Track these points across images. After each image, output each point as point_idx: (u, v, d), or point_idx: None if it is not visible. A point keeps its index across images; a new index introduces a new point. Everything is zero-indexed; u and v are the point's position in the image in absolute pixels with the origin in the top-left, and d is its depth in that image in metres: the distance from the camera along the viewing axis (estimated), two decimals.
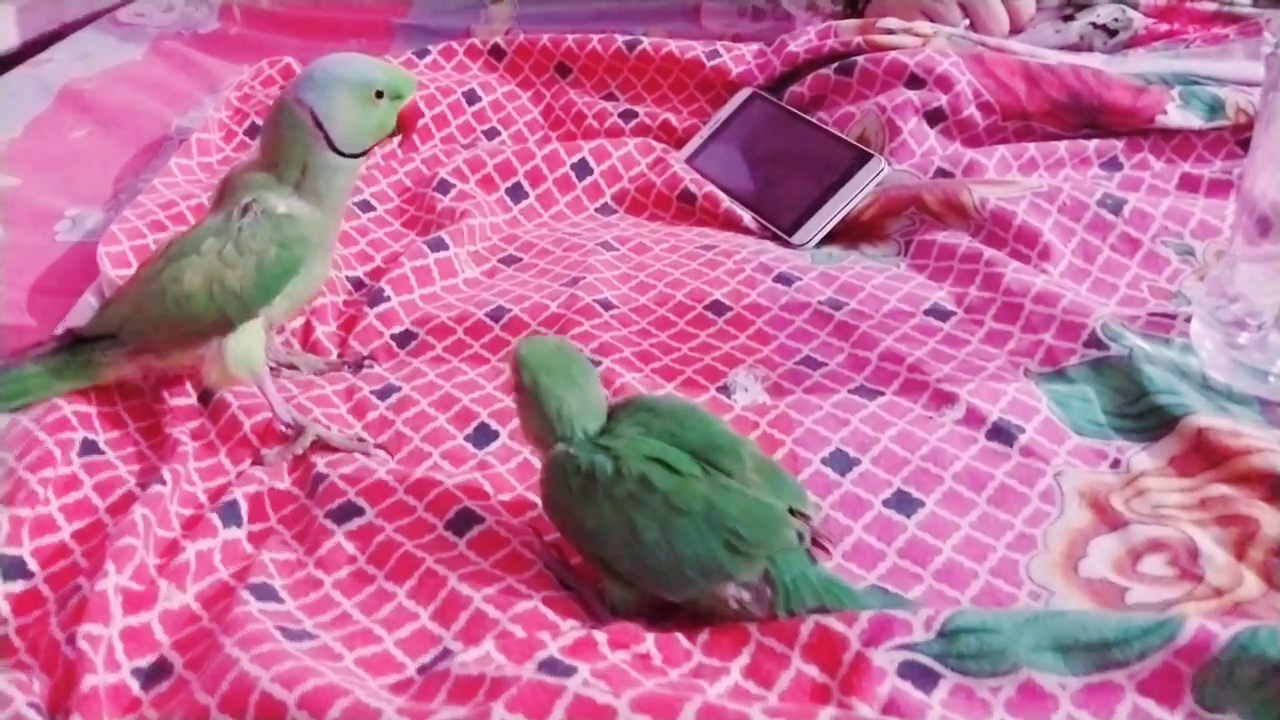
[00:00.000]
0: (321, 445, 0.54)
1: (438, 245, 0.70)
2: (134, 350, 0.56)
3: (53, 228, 0.79)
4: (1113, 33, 0.88)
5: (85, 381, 0.57)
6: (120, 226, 0.71)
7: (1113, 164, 0.77)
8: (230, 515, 0.50)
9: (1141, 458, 0.52)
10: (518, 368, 0.47)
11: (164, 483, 0.50)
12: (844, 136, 0.77)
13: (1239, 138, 0.78)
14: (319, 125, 0.54)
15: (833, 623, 0.41)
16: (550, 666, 0.39)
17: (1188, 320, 0.61)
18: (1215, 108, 0.77)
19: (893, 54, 0.79)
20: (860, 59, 0.80)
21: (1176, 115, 0.76)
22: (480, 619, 0.42)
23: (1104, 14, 0.89)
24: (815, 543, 0.44)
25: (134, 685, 0.42)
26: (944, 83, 0.77)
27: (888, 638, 0.40)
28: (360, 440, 0.55)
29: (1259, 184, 0.56)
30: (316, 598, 0.46)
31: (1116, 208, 0.68)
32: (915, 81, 0.78)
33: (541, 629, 0.42)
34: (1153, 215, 0.68)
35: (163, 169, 0.81)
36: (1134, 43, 0.89)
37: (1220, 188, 0.75)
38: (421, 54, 0.92)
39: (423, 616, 0.44)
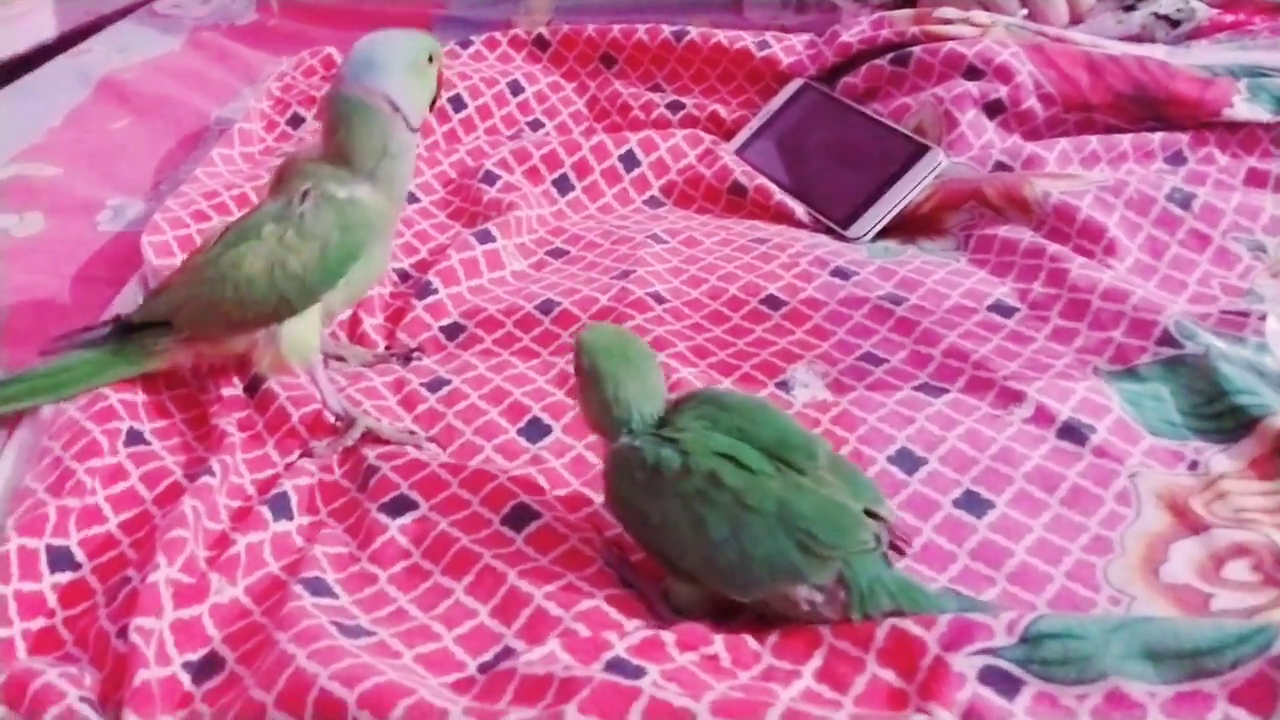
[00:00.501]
0: (372, 437, 0.53)
1: (484, 238, 0.69)
2: (188, 337, 0.55)
3: (94, 217, 0.79)
4: (1175, 23, 0.86)
5: (136, 369, 0.56)
6: (164, 216, 0.70)
7: (1177, 158, 0.75)
8: (281, 507, 0.49)
9: (1220, 459, 0.50)
10: (579, 351, 0.46)
11: (212, 474, 0.49)
12: (900, 128, 0.75)
13: None
14: (395, 109, 0.54)
15: (909, 626, 0.39)
16: (618, 667, 0.38)
17: (1262, 318, 0.58)
18: None
19: (950, 44, 0.77)
20: (916, 49, 0.78)
21: (1244, 108, 0.74)
22: (542, 617, 0.41)
23: (1167, 4, 0.86)
24: (892, 545, 0.42)
25: (185, 679, 0.41)
26: (1004, 73, 0.75)
27: (968, 642, 0.38)
28: (412, 433, 0.54)
29: None
30: (371, 593, 0.45)
31: (1185, 202, 0.66)
32: (973, 72, 0.76)
33: (606, 628, 0.40)
34: (1223, 210, 0.66)
35: (205, 159, 0.80)
36: (1197, 34, 0.87)
37: None
38: (464, 45, 0.91)
39: (482, 614, 0.43)
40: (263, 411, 0.56)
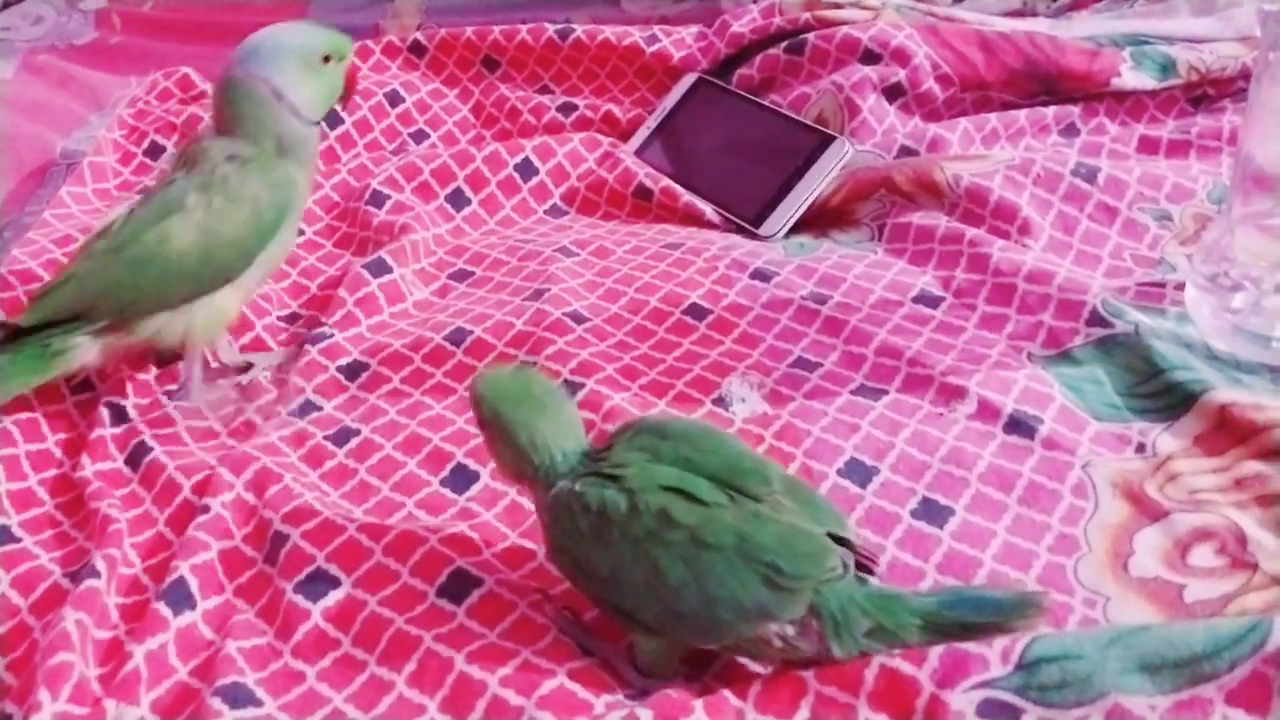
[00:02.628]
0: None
1: (380, 268, 0.64)
2: (103, 329, 0.53)
3: None
4: None
5: (41, 376, 0.53)
6: (9, 270, 0.63)
7: (1071, 130, 0.75)
8: (179, 597, 0.43)
9: (1166, 439, 0.50)
10: (477, 404, 0.42)
11: (97, 574, 0.43)
12: (802, 119, 0.73)
13: (1189, 96, 0.77)
14: (279, 97, 0.54)
15: (900, 664, 0.37)
16: None
17: (1178, 288, 0.59)
18: (1167, 67, 0.76)
19: (844, 29, 0.76)
20: (810, 36, 0.77)
21: (1131, 77, 0.75)
22: (502, 707, 0.38)
23: None
24: (859, 565, 0.40)
25: None
26: (901, 56, 0.74)
27: (963, 676, 0.36)
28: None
29: (1255, 141, 0.54)
30: (300, 693, 0.40)
31: (1091, 176, 0.66)
32: (870, 57, 0.75)
33: (573, 712, 0.37)
34: (1127, 182, 0.66)
35: (53, 199, 0.73)
36: (1077, 5, 0.87)
37: (1179, 148, 0.74)
38: None
39: (431, 708, 0.39)
40: (149, 485, 0.51)
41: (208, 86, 0.83)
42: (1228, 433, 0.49)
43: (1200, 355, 0.54)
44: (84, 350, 0.53)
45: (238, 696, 0.40)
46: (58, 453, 0.54)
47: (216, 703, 0.39)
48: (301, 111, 0.55)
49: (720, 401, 0.54)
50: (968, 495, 0.48)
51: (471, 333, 0.60)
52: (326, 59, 0.56)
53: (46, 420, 0.55)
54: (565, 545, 0.40)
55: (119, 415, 0.55)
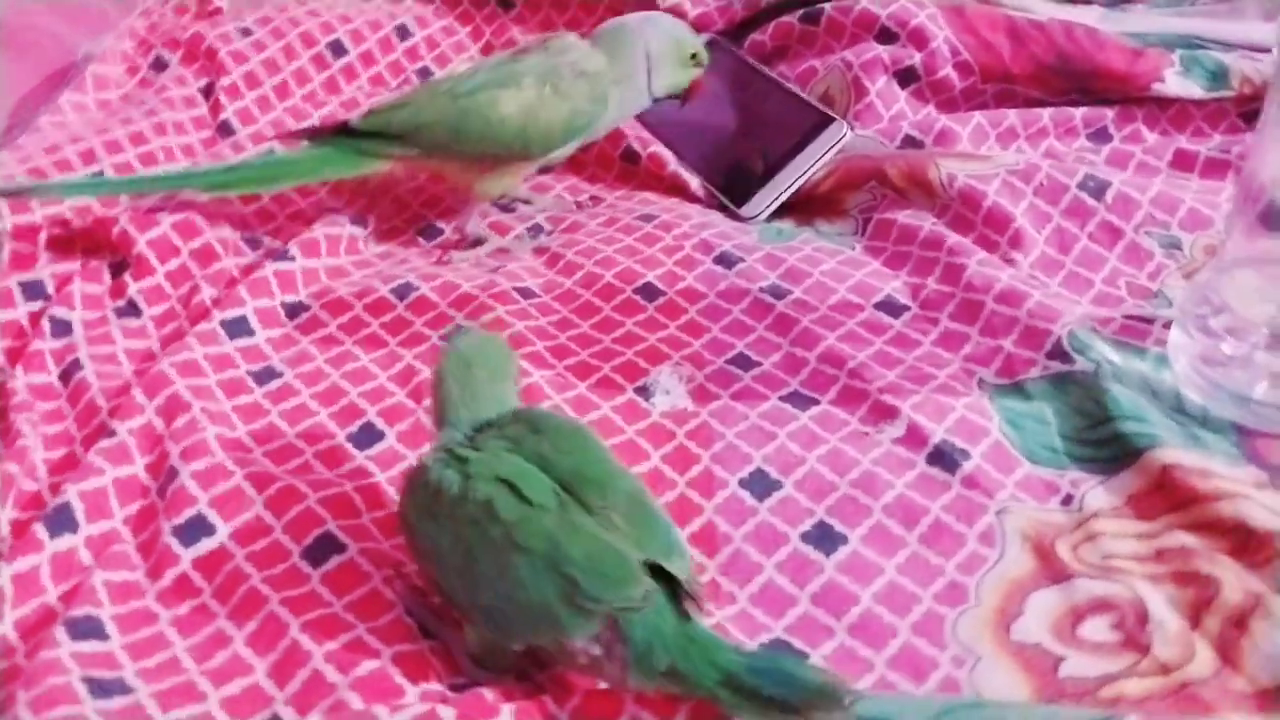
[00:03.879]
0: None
1: (357, 219, 0.64)
2: (416, 155, 0.61)
3: None
4: None
5: (349, 171, 0.61)
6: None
7: (1101, 135, 0.70)
8: (60, 521, 0.44)
9: (1097, 493, 0.46)
10: (439, 354, 0.44)
11: None
12: (805, 95, 0.69)
13: (1241, 110, 0.71)
14: (646, 57, 0.63)
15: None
16: None
17: (1166, 326, 0.54)
18: (1218, 76, 0.70)
19: (864, 2, 0.71)
20: (828, 6, 0.72)
21: (1175, 83, 0.69)
22: (318, 682, 0.37)
23: None
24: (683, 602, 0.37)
25: None
26: (918, 38, 0.69)
27: None
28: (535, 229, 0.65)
29: (1266, 167, 0.48)
30: (148, 634, 0.40)
31: (1099, 191, 0.61)
32: (887, 35, 0.70)
33: (383, 697, 0.36)
34: (1138, 202, 0.61)
35: (53, 105, 0.73)
36: None
37: (1217, 167, 0.68)
38: None
39: (258, 671, 0.38)
40: (74, 403, 0.51)
41: (224, 2, 0.83)
42: (1165, 496, 0.45)
43: (1165, 406, 0.50)
44: (395, 167, 0.62)
45: (84, 629, 0.40)
46: (1, 359, 0.55)
47: (60, 632, 0.39)
48: (652, 78, 0.63)
49: (643, 391, 0.52)
50: (866, 525, 0.45)
51: (418, 289, 0.59)
52: (693, 57, 0.64)
53: None
54: (404, 513, 0.40)
55: (63, 329, 0.56)
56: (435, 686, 0.37)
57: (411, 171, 0.66)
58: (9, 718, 0.35)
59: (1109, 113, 0.69)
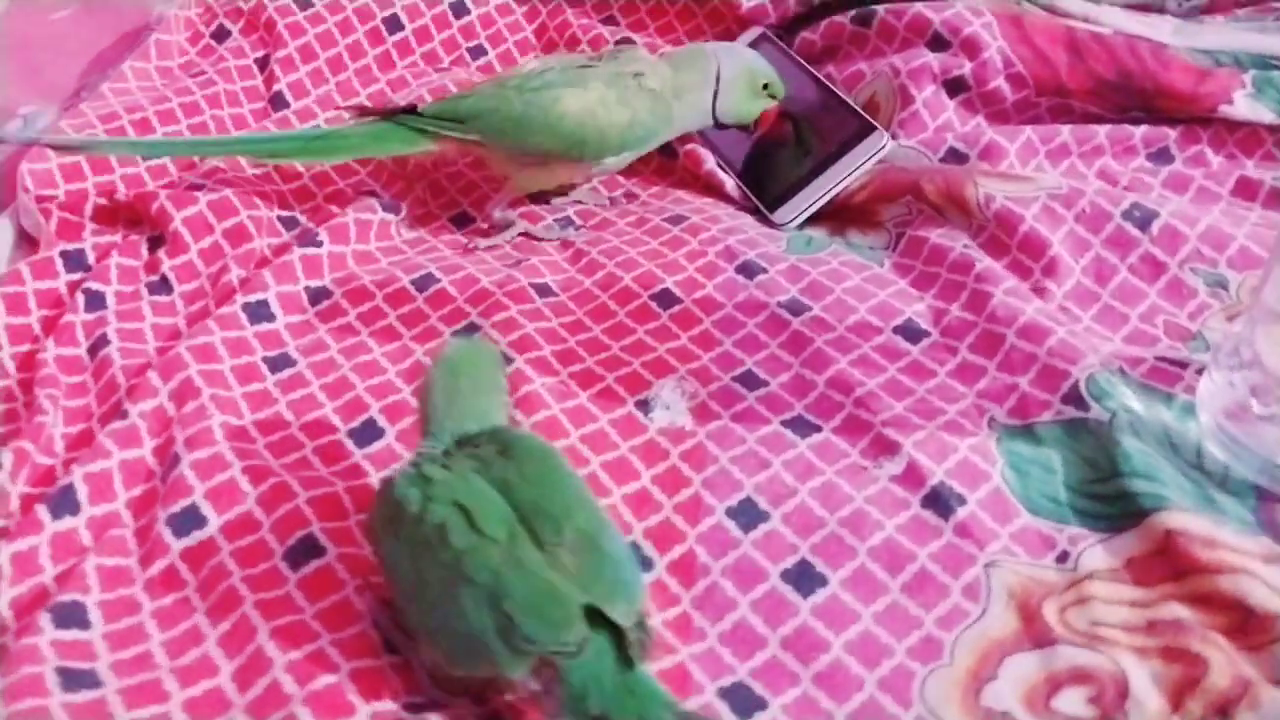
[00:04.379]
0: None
1: (390, 206, 0.64)
2: (472, 138, 0.62)
3: (3, 126, 0.74)
4: None
5: (404, 148, 0.63)
6: (48, 142, 0.65)
7: (1162, 156, 0.67)
8: (63, 503, 0.45)
9: (1096, 552, 0.45)
10: (433, 360, 0.45)
11: None
12: (849, 100, 0.67)
13: None
14: (716, 80, 0.64)
15: None
16: None
17: (1200, 372, 0.52)
18: None
19: (918, 6, 0.68)
20: (880, 9, 0.70)
21: (1244, 106, 0.65)
22: (275, 692, 0.38)
23: None
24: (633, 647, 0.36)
25: None
26: (971, 47, 0.67)
27: None
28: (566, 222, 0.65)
29: None
30: (128, 625, 0.42)
31: (1145, 222, 0.58)
32: (939, 42, 0.68)
33: (333, 714, 0.37)
34: (1186, 236, 0.58)
35: (117, 72, 0.75)
36: (1214, 8, 0.76)
37: None
38: None
39: (223, 674, 0.39)
40: (97, 379, 0.53)
41: None
42: (1166, 563, 0.43)
43: (1183, 461, 0.48)
44: (446, 147, 0.63)
45: (67, 616, 0.41)
46: (36, 329, 0.57)
47: (43, 618, 0.41)
48: (719, 101, 0.64)
49: (644, 405, 0.52)
50: (849, 568, 0.44)
51: (438, 282, 0.59)
52: (765, 87, 0.65)
53: (35, 296, 0.58)
54: (371, 525, 0.42)
55: (97, 302, 0.57)
56: (388, 706, 0.38)
57: (461, 154, 0.67)
58: None
59: (1171, 133, 0.66)
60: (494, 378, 0.45)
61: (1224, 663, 0.39)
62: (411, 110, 0.63)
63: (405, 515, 0.38)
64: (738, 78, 0.64)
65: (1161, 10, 0.75)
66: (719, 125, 0.66)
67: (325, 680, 0.38)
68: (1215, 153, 0.66)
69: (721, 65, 0.64)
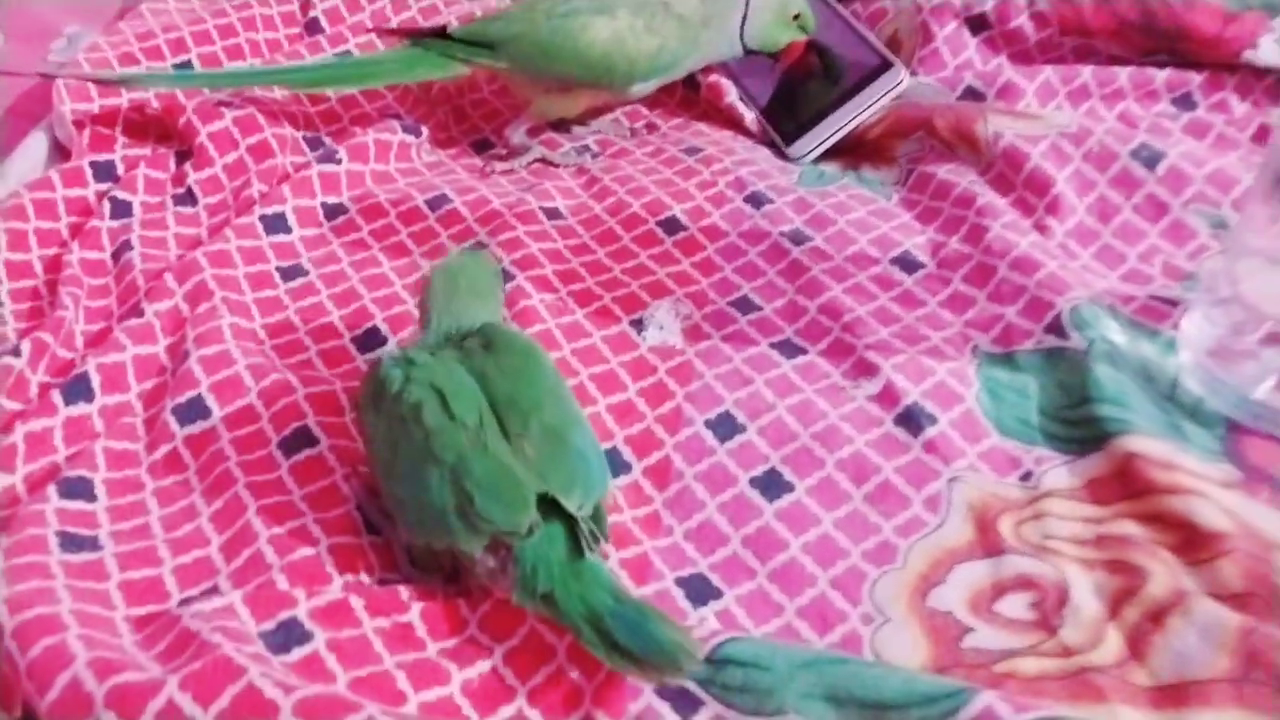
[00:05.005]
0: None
1: (412, 129, 0.66)
2: (502, 66, 0.63)
3: (48, 45, 0.78)
4: None
5: (438, 73, 0.64)
6: (89, 55, 0.68)
7: (1184, 101, 0.66)
8: (77, 390, 0.48)
9: (1059, 473, 0.45)
10: (433, 266, 0.48)
11: (17, 354, 0.49)
12: (869, 36, 0.67)
13: None
14: (745, 4, 0.64)
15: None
16: (284, 630, 0.37)
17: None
18: None
19: None
20: None
21: (1270, 51, 0.64)
22: (257, 561, 0.41)
23: None
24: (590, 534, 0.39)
25: None
26: None
27: None
28: (584, 149, 0.66)
29: None
30: (131, 501, 0.45)
31: (1152, 161, 0.58)
32: None
33: (307, 583, 0.39)
34: (1192, 176, 0.58)
35: (132, 10, 0.77)
36: None
37: None
38: None
39: (212, 546, 0.42)
40: (119, 281, 0.56)
41: None
42: (1123, 484, 0.44)
43: (1157, 392, 0.48)
44: (475, 71, 0.64)
45: (73, 489, 0.44)
46: (64, 233, 0.60)
47: (50, 490, 0.44)
48: (746, 27, 0.64)
49: (638, 324, 0.54)
50: (816, 477, 0.46)
51: (451, 202, 0.61)
52: (796, 18, 0.65)
53: (65, 203, 0.61)
54: (357, 401, 0.45)
55: (123, 210, 0.60)
56: (363, 579, 0.41)
57: (489, 79, 0.69)
58: None
59: (1196, 78, 0.65)
60: (491, 288, 0.48)
61: (1164, 574, 0.40)
62: (441, 33, 0.64)
63: (387, 393, 0.41)
64: (768, 5, 0.64)
65: None
66: (748, 52, 0.66)
67: (304, 552, 0.41)
68: (1241, 99, 0.65)
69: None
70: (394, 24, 0.77)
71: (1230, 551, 0.41)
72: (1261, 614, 0.39)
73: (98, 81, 0.65)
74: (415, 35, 0.65)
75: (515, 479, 0.38)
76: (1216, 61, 0.65)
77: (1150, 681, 0.38)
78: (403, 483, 0.39)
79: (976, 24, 0.67)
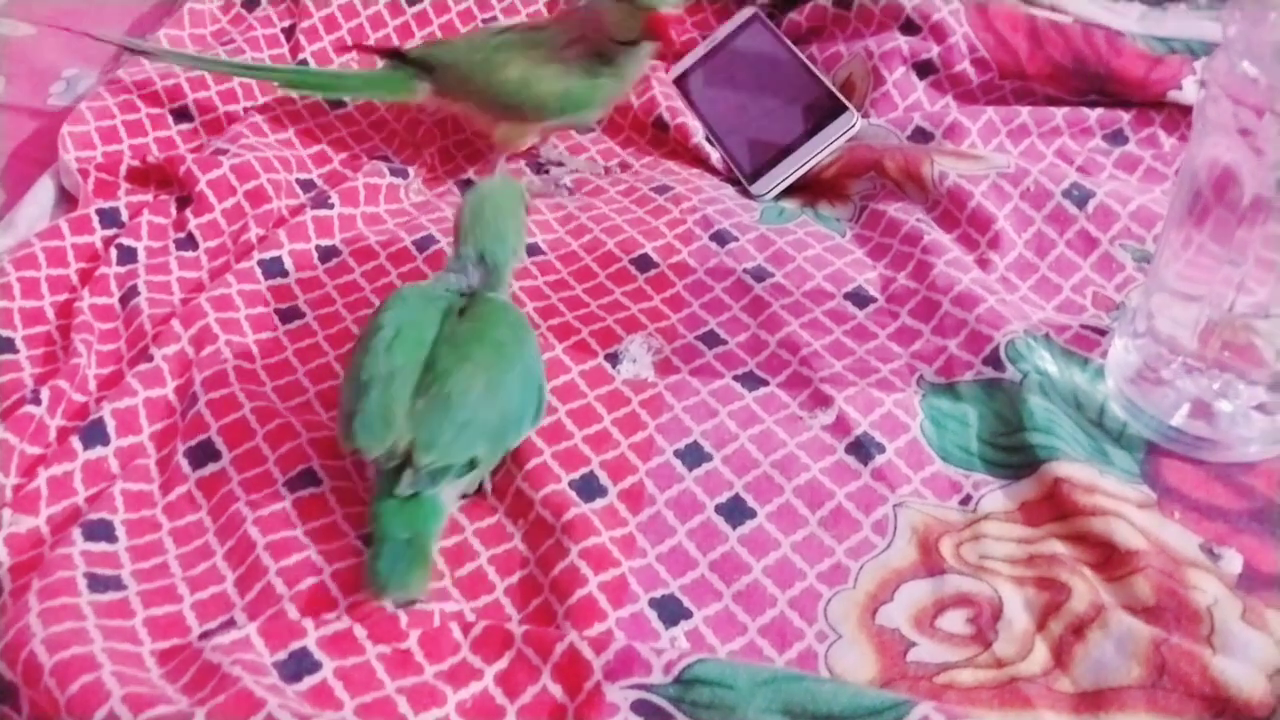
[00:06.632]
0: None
1: (399, 171, 0.70)
2: (440, 89, 0.69)
3: (48, 89, 0.81)
4: None
5: (405, 96, 0.70)
6: (90, 105, 0.72)
7: (1117, 136, 0.71)
8: (94, 434, 0.52)
9: (996, 497, 0.50)
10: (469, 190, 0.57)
11: (38, 401, 0.53)
12: (826, 80, 0.72)
13: None
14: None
15: (584, 648, 0.42)
16: (295, 660, 0.42)
17: None
18: None
19: None
20: None
21: (1193, 91, 0.69)
22: (269, 592, 0.45)
23: None
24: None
25: None
26: (938, 32, 0.71)
27: (627, 674, 0.41)
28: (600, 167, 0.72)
29: (1199, 156, 0.49)
30: (150, 540, 0.49)
31: (1082, 200, 0.63)
32: (910, 27, 0.72)
33: (314, 612, 0.44)
34: (1118, 214, 0.63)
35: (153, 37, 0.81)
36: None
37: None
38: None
39: (228, 581, 0.46)
40: (128, 325, 0.59)
41: None
42: (1052, 506, 0.49)
43: (1084, 418, 0.53)
44: (428, 98, 0.70)
45: (96, 531, 0.48)
46: (74, 279, 0.64)
47: (75, 533, 0.48)
48: (608, 24, 0.65)
49: (613, 358, 0.58)
50: (775, 503, 0.50)
51: (438, 242, 0.65)
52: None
53: (73, 250, 0.65)
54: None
55: (129, 256, 0.64)
56: (363, 601, 0.45)
57: (442, 107, 0.72)
58: (20, 602, 0.44)
59: (1125, 115, 0.70)
60: (516, 210, 0.55)
61: (1085, 590, 0.45)
62: (396, 53, 0.70)
63: (379, 309, 0.51)
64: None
65: None
66: (627, 43, 0.66)
67: (309, 581, 0.45)
68: (1168, 135, 0.71)
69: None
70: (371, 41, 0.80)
71: (1144, 568, 0.46)
72: (1171, 626, 0.44)
73: (139, 53, 0.74)
74: (381, 53, 0.71)
75: (386, 417, 0.46)
76: (1145, 101, 0.70)
77: (1073, 689, 0.43)
78: (343, 380, 0.50)
79: (923, 69, 0.72)
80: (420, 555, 0.44)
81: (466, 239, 0.53)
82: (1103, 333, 0.58)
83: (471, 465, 0.47)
